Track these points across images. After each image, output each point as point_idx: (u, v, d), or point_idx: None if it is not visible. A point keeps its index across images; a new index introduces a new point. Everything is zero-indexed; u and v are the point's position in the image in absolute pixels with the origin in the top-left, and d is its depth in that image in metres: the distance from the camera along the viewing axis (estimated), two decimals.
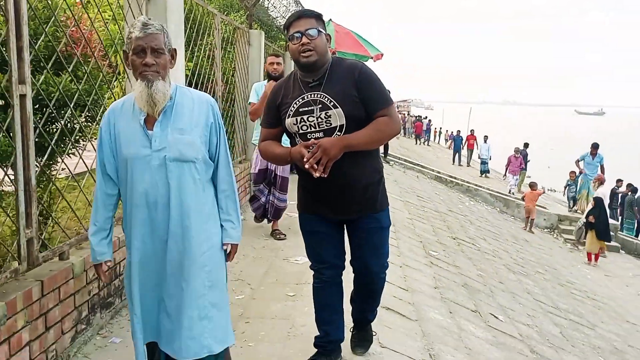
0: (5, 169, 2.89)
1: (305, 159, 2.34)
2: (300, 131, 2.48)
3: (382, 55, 11.72)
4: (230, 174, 2.28)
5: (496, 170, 24.62)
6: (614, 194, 15.80)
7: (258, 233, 5.65)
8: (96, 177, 2.23)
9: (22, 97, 2.41)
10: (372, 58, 11.37)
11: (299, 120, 2.47)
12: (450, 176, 15.68)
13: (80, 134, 3.72)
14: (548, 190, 25.57)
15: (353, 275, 2.80)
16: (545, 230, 13.48)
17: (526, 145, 21.22)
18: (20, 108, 2.40)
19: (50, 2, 3.55)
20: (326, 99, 2.42)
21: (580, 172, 14.38)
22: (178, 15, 4.07)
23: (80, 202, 3.52)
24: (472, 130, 26.33)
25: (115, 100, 4.39)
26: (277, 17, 9.38)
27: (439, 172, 15.85)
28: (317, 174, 2.33)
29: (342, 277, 2.82)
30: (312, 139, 2.42)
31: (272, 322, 3.47)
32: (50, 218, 3.02)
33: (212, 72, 5.79)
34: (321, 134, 2.44)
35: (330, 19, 11.25)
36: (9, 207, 3.34)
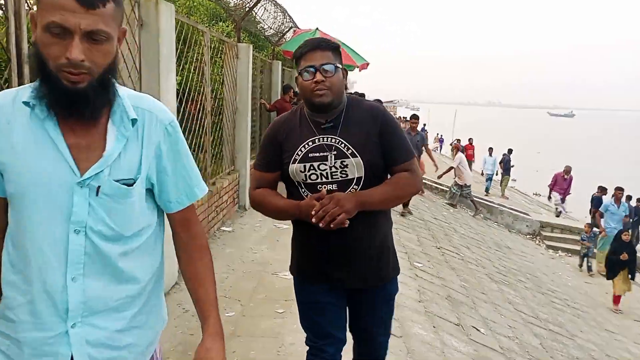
0: None
1: (313, 211, 1.97)
2: (308, 180, 2.09)
3: (367, 64, 11.87)
4: None
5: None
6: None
7: (246, 246, 5.75)
8: None
9: None
10: (358, 67, 11.53)
11: (307, 168, 2.08)
12: (435, 182, 15.89)
13: None
14: (533, 194, 25.81)
15: (353, 343, 2.47)
16: (528, 236, 13.73)
17: (510, 151, 21.52)
18: None
19: None
20: (343, 146, 2.06)
21: (600, 231, 11.45)
22: (169, 38, 4.17)
23: None
24: (470, 140, 23.87)
25: None
26: (265, 29, 9.47)
27: (423, 178, 16.02)
28: (322, 224, 1.96)
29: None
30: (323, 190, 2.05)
31: (262, 341, 3.59)
32: None
33: (202, 87, 5.88)
34: (334, 186, 2.07)
35: (317, 28, 11.36)
36: None
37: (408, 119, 12.21)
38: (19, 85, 2.44)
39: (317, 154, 2.07)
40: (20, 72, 2.46)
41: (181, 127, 5.01)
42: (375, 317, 2.33)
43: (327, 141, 2.08)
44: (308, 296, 2.28)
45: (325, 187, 2.06)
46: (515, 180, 26.09)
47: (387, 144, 2.10)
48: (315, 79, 2.02)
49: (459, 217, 12.54)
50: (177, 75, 5.03)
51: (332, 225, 1.96)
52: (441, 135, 36.15)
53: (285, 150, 2.13)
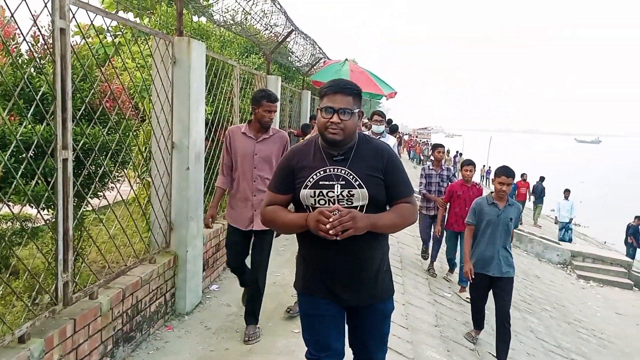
0: (40, 209, 3.28)
1: (331, 219, 2.15)
2: (317, 205, 2.31)
3: (395, 93, 12.09)
4: None
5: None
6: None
7: (269, 269, 5.95)
8: None
9: (65, 160, 2.83)
10: (385, 97, 11.77)
11: (316, 194, 2.31)
12: None
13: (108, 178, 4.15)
14: (574, 224, 25.08)
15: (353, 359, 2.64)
16: (558, 265, 13.53)
17: (542, 179, 21.27)
18: (62, 170, 2.81)
19: (83, 63, 4.00)
20: (351, 177, 2.31)
21: None
22: (200, 74, 4.51)
23: (105, 235, 3.87)
24: (523, 176, 20.08)
25: (138, 145, 4.86)
26: (294, 61, 9.87)
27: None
28: (332, 232, 2.14)
29: None
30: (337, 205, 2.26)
31: (277, 358, 3.78)
32: (82, 262, 3.40)
33: (231, 116, 6.23)
34: None
35: (346, 59, 11.70)
36: (47, 249, 3.76)
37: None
38: (62, 118, 2.77)
39: (327, 182, 2.31)
40: (64, 107, 2.79)
41: (210, 153, 5.37)
42: (374, 334, 2.53)
43: (336, 172, 2.32)
44: (310, 309, 2.48)
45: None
46: (553, 211, 25.46)
47: (390, 180, 2.36)
48: (331, 119, 2.28)
49: None
50: (208, 106, 5.38)
51: (337, 237, 2.15)
52: (488, 167, 31.63)
53: (298, 177, 2.37)
